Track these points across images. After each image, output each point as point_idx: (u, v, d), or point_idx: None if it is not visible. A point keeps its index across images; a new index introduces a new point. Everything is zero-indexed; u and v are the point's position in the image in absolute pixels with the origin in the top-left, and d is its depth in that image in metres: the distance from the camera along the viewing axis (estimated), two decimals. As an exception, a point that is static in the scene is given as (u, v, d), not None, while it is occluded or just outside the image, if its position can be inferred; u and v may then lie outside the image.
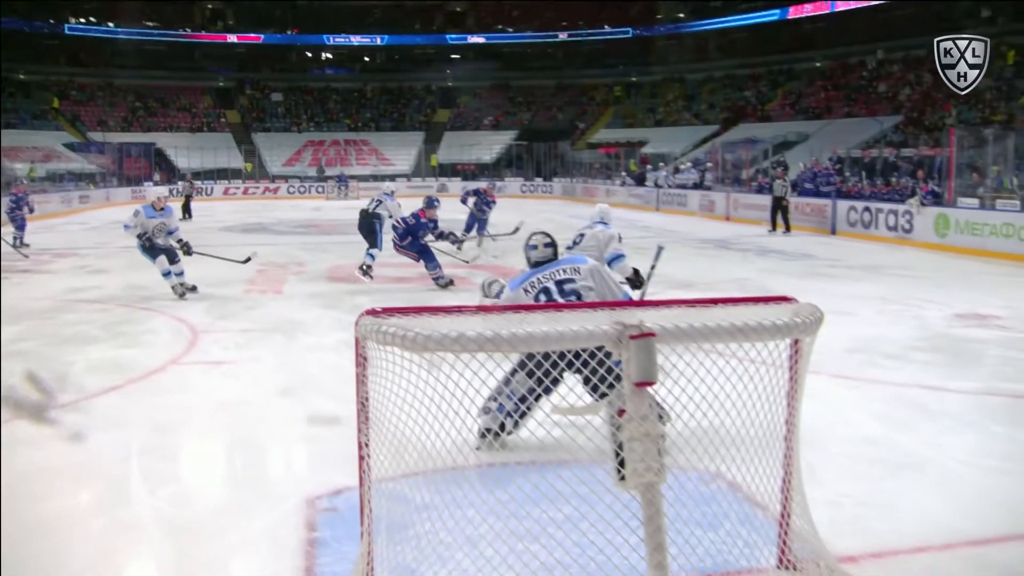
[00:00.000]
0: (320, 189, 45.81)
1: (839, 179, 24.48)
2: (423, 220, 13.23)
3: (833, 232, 21.98)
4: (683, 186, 33.42)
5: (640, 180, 37.56)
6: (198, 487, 5.59)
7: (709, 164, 35.25)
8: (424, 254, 13.23)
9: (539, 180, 48.42)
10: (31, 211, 20.55)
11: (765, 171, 29.22)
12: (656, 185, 34.75)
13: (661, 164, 39.38)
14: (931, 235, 18.66)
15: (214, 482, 5.73)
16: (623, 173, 41.02)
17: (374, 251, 14.04)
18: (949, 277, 14.52)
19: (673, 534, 3.35)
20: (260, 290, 12.90)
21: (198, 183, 41.43)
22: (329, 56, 62.32)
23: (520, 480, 4.03)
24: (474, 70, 60.04)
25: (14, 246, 18.29)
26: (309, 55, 62.22)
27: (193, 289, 12.38)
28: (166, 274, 12.09)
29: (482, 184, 21.37)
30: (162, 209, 12.45)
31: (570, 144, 51.73)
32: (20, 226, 19.46)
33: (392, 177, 49.02)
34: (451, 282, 13.22)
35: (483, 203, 18.94)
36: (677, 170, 36.69)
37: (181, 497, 5.24)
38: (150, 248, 12.21)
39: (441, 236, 13.79)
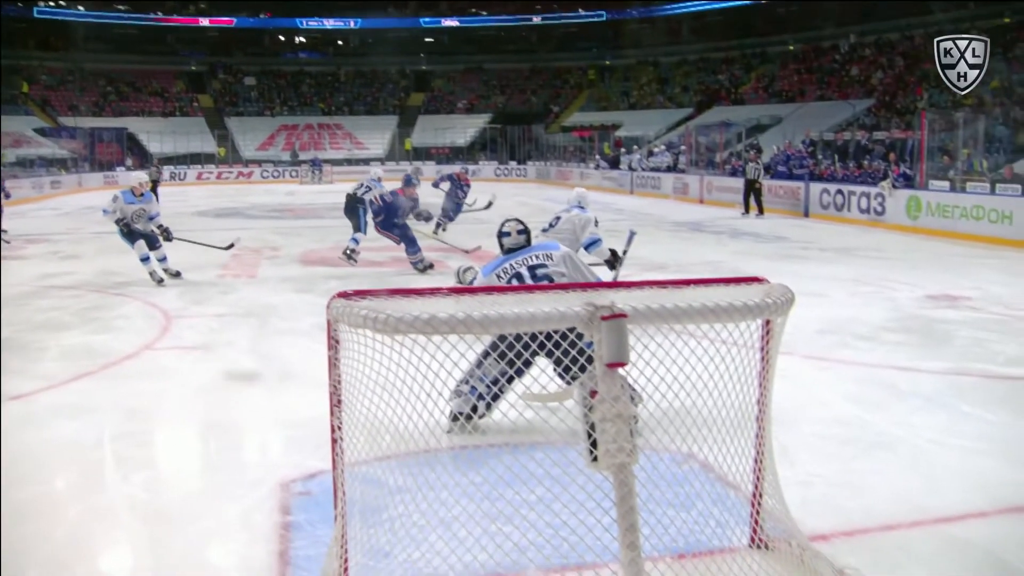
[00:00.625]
0: (294, 173, 45.54)
1: (812, 162, 24.58)
2: (401, 198, 13.27)
3: (806, 214, 22.09)
4: (657, 169, 33.45)
5: (614, 163, 37.57)
6: (172, 473, 5.58)
7: (683, 147, 35.28)
8: (405, 238, 13.17)
9: (513, 163, 48.32)
10: (7, 196, 20.12)
11: (739, 154, 29.30)
12: (630, 168, 34.78)
13: (635, 147, 39.38)
14: (903, 217, 18.79)
15: (188, 467, 5.71)
16: (597, 156, 41.02)
17: (359, 235, 14.01)
18: (921, 259, 14.63)
19: (646, 514, 3.37)
20: (234, 275, 12.84)
21: (170, 168, 41.15)
22: (302, 40, 61.90)
23: (493, 462, 4.05)
24: (448, 54, 59.84)
25: None
26: (282, 39, 61.82)
27: (177, 275, 12.29)
28: (144, 259, 11.92)
29: (455, 169, 21.02)
30: (142, 195, 12.24)
31: (544, 127, 51.67)
32: None
33: (366, 161, 48.86)
34: (431, 266, 13.14)
35: (457, 188, 18.72)
36: (651, 153, 36.69)
37: (155, 483, 5.23)
38: (129, 233, 12.02)
39: (419, 216, 13.92)
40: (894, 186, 19.24)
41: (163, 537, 4.55)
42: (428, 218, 14.73)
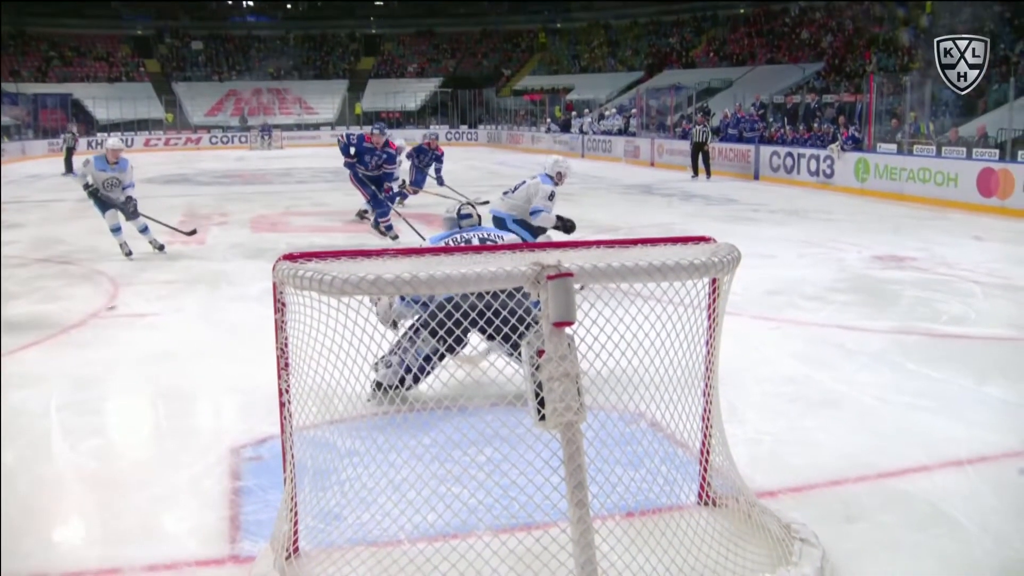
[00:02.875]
0: (243, 139, 45.03)
1: (762, 125, 24.71)
2: (367, 144, 12.79)
3: (756, 177, 22.23)
4: (608, 132, 33.47)
5: (565, 127, 37.55)
6: (121, 441, 5.53)
7: (634, 110, 35.29)
8: (375, 198, 12.69)
9: (464, 127, 48.10)
10: None
11: (689, 117, 29.35)
12: (581, 132, 34.77)
13: (586, 110, 39.35)
14: (851, 180, 18.98)
15: (137, 435, 5.66)
16: (548, 120, 40.96)
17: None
18: (868, 220, 14.80)
19: (594, 473, 3.39)
20: (183, 241, 12.70)
21: (117, 134, 40.41)
22: (250, 3, 60.98)
23: (443, 424, 4.05)
24: (398, 17, 59.29)
25: None
26: (230, 2, 60.87)
27: (161, 248, 11.70)
28: (115, 230, 11.40)
29: (422, 139, 18.33)
30: (116, 163, 11.46)
31: (495, 91, 51.44)
32: None
33: (316, 126, 48.46)
34: (396, 237, 12.40)
35: (429, 159, 17.18)
36: (602, 116, 36.69)
37: (104, 451, 5.17)
38: (100, 202, 11.45)
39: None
40: (843, 149, 19.42)
41: (113, 505, 4.51)
42: (401, 188, 14.26)
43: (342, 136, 12.79)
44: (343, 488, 3.76)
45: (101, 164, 11.39)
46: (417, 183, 16.96)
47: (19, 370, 6.62)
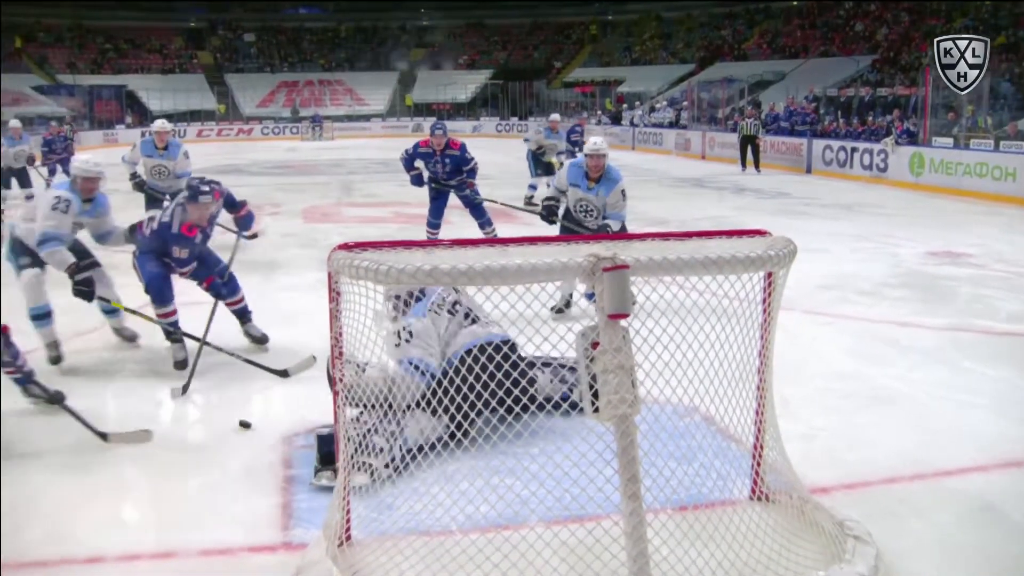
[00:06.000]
0: (294, 130, 45.32)
1: (814, 118, 24.45)
2: (423, 150, 10.34)
3: (808, 171, 22.00)
4: (659, 125, 33.32)
5: (616, 119, 37.42)
6: (175, 428, 5.57)
7: (685, 103, 35.11)
8: (471, 206, 10.53)
9: (514, 119, 48.08)
10: (71, 154, 17.85)
11: (741, 110, 29.12)
12: (632, 124, 34.63)
13: (637, 103, 39.18)
14: (906, 174, 18.71)
15: (191, 422, 5.72)
16: (599, 112, 40.82)
17: (534, 181, 14.05)
18: (923, 215, 14.60)
19: (647, 466, 3.37)
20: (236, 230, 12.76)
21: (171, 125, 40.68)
22: (302, -5, 61.33)
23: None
24: (449, 8, 59.32)
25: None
26: (282, -6, 61.27)
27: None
28: None
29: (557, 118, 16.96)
30: (165, 147, 10.61)
31: (546, 83, 51.32)
32: (52, 171, 17.35)
33: (367, 117, 48.73)
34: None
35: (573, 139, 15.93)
36: (653, 109, 36.51)
37: (158, 438, 5.22)
38: (150, 199, 10.49)
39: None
40: (897, 143, 19.16)
41: (167, 491, 4.58)
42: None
43: (402, 154, 10.60)
44: (395, 478, 3.77)
45: (148, 149, 10.71)
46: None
47: (79, 359, 6.71)
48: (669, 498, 3.59)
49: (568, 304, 7.61)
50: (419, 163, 10.42)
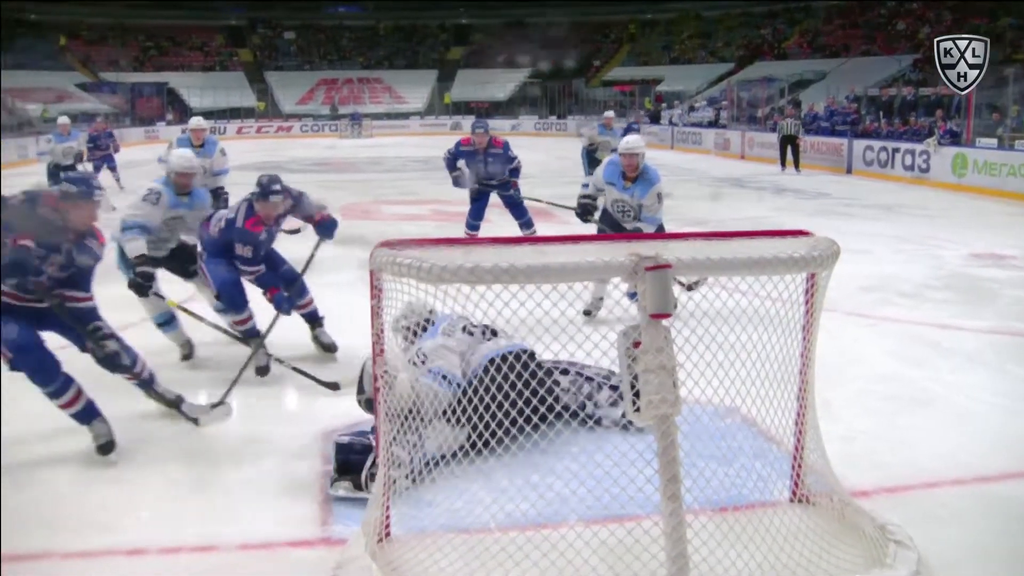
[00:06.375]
0: (334, 127, 45.56)
1: (855, 116, 24.23)
2: (465, 148, 10.02)
3: (849, 171, 21.81)
4: (698, 124, 33.17)
5: (655, 118, 37.29)
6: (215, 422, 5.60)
7: (724, 102, 34.94)
8: (512, 206, 10.26)
9: (553, 118, 48.05)
10: (116, 150, 18.68)
11: (781, 110, 28.94)
12: (671, 123, 34.51)
13: (676, 102, 39.04)
14: (948, 175, 18.48)
15: (232, 417, 5.74)
16: (638, 111, 40.71)
17: (587, 179, 14.05)
18: (966, 217, 14.44)
19: (687, 467, 3.36)
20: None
21: (210, 122, 40.88)
22: (342, -7, 61.58)
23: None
24: (488, 7, 59.34)
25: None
26: (321, -7, 61.55)
27: None
28: None
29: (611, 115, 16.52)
30: (201, 145, 10.25)
31: (584, 82, 51.25)
32: (97, 167, 17.30)
33: (406, 115, 48.88)
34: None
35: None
36: (692, 108, 36.37)
37: (197, 432, 5.27)
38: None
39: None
40: (940, 143, 18.94)
41: (208, 485, 4.63)
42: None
43: (445, 154, 10.22)
44: (435, 475, 3.79)
45: (185, 147, 9.90)
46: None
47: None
48: (709, 499, 3.59)
49: (598, 307, 7.34)
50: (461, 163, 10.08)
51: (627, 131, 14.27)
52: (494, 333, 5.03)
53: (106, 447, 4.92)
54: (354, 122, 43.99)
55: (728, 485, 3.67)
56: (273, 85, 51.71)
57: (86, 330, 4.91)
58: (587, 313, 7.04)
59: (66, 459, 4.93)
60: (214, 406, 5.45)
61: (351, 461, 4.35)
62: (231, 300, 6.49)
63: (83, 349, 5.05)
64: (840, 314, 7.29)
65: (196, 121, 10.84)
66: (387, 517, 3.75)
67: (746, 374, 3.52)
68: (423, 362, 4.71)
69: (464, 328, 5.12)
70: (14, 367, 4.79)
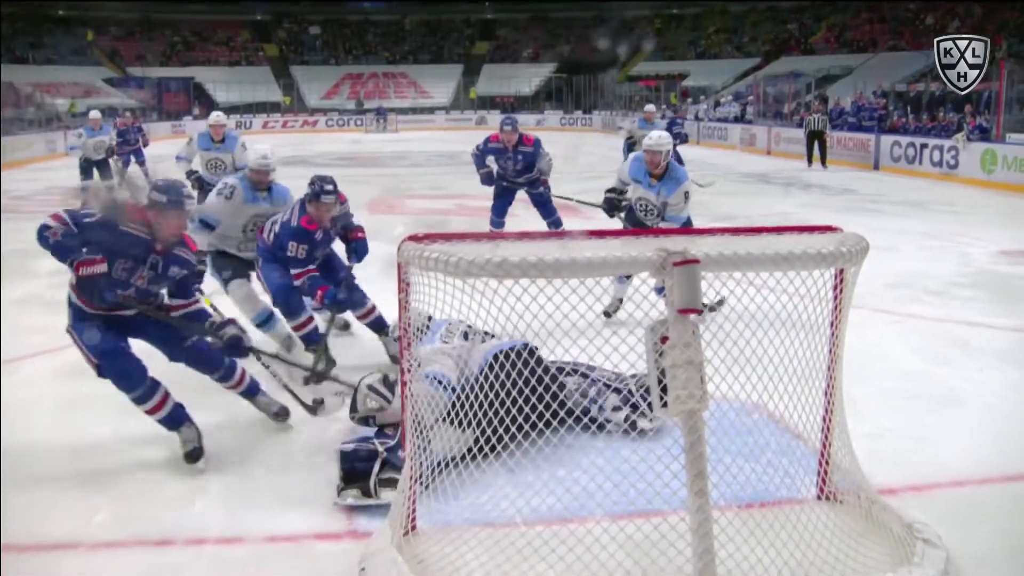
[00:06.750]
0: (359, 122, 45.70)
1: (882, 112, 24.06)
2: (493, 145, 9.72)
3: (876, 167, 21.67)
4: (724, 119, 33.06)
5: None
6: (241, 415, 5.61)
7: (750, 97, 34.81)
8: (540, 205, 9.99)
9: (579, 113, 48.05)
10: (145, 144, 18.40)
11: (807, 105, 28.80)
12: (696, 118, 34.40)
13: (702, 97, 38.92)
14: (977, 171, 18.32)
15: (254, 409, 5.76)
16: (663, 106, 40.62)
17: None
18: (995, 214, 14.33)
19: (714, 463, 3.35)
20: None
21: (236, 116, 41.05)
22: (368, -12, 61.68)
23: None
24: (513, 2, 59.30)
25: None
26: (347, -12, 61.66)
27: None
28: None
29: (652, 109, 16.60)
30: (221, 141, 10.26)
31: (610, 77, 51.19)
32: (126, 162, 16.98)
33: (431, 110, 48.95)
34: None
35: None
36: (718, 103, 36.25)
37: (225, 424, 5.29)
38: (202, 190, 9.66)
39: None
40: (968, 139, 18.77)
41: (234, 476, 4.65)
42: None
43: (473, 150, 9.93)
44: (460, 469, 3.79)
45: (205, 142, 10.38)
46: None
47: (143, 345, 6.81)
48: (736, 495, 3.58)
49: (617, 308, 7.15)
50: (490, 160, 9.78)
51: (670, 126, 14.09)
52: (492, 336, 4.91)
53: (193, 454, 4.76)
54: (379, 117, 44.11)
55: (755, 481, 3.65)
56: (299, 80, 51.93)
57: (203, 330, 4.88)
58: (607, 314, 6.96)
59: (93, 451, 4.97)
60: (314, 405, 5.31)
61: (357, 469, 4.30)
62: (287, 305, 6.35)
63: (172, 358, 5.02)
64: (866, 311, 7.24)
65: (216, 116, 10.72)
66: (413, 511, 3.76)
67: (773, 370, 3.51)
68: (418, 366, 4.44)
69: (464, 334, 5.08)
70: (101, 374, 4.73)
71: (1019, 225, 12.94)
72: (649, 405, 4.49)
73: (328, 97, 52.18)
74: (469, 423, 3.83)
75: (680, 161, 14.89)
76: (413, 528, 3.76)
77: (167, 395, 4.82)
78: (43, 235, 4.49)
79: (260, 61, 55.20)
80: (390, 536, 3.61)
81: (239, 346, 4.90)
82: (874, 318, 7.39)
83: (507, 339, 4.50)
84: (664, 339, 3.04)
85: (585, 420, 4.69)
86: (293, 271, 6.16)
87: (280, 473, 4.65)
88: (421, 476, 3.84)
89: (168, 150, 11.41)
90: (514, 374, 3.79)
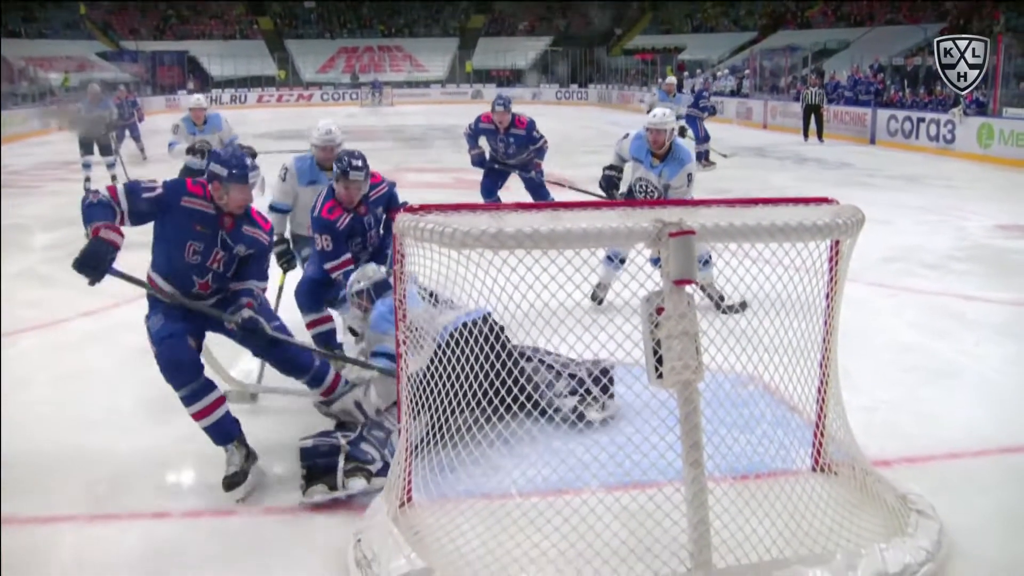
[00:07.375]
0: (354, 96, 45.51)
1: (879, 86, 23.99)
2: (484, 125, 9.48)
3: (872, 142, 21.63)
4: (720, 93, 32.94)
5: (677, 87, 37.03)
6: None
7: (747, 71, 34.70)
8: (530, 187, 9.71)
9: (574, 87, 47.87)
10: (140, 119, 18.51)
11: (804, 79, 28.71)
12: (692, 92, 34.26)
13: (698, 71, 38.76)
14: (974, 146, 18.30)
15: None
16: (660, 80, 40.45)
17: None
18: (991, 188, 14.31)
19: (709, 434, 3.35)
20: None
21: (231, 91, 40.74)
22: (362, -39, 61.24)
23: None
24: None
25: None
26: (342, -40, 61.19)
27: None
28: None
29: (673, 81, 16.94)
30: (204, 123, 10.03)
31: (606, 50, 50.96)
32: (120, 136, 16.73)
33: (427, 83, 48.73)
34: None
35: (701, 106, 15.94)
36: (714, 77, 36.12)
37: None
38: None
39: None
40: (965, 113, 18.73)
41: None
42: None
43: (466, 129, 9.71)
44: (456, 441, 3.79)
45: (191, 127, 10.13)
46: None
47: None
48: (731, 466, 3.58)
49: (605, 293, 6.84)
50: (481, 140, 9.53)
51: (697, 99, 13.89)
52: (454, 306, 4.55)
53: (232, 480, 4.15)
54: (375, 90, 43.97)
55: (750, 453, 3.66)
56: (293, 53, 51.65)
57: (218, 312, 4.42)
58: (595, 298, 6.69)
59: (94, 425, 4.97)
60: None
61: (319, 465, 4.11)
62: (299, 298, 5.89)
63: (256, 354, 4.74)
64: (862, 284, 7.24)
65: (196, 100, 10.50)
66: (408, 482, 3.77)
67: (768, 342, 3.51)
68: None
69: (428, 297, 4.64)
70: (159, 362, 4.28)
71: (1015, 199, 12.92)
72: (603, 389, 4.47)
73: (323, 71, 51.93)
74: (425, 407, 3.71)
75: (707, 136, 14.75)
76: (409, 500, 3.77)
77: (220, 401, 4.34)
78: (85, 202, 4.14)
79: (254, 35, 54.83)
80: (386, 508, 3.62)
81: (255, 330, 4.39)
82: (870, 291, 7.39)
83: (463, 311, 4.20)
84: (660, 310, 3.04)
85: (542, 405, 4.51)
86: (325, 265, 5.64)
87: (275, 448, 4.64)
88: (385, 467, 3.86)
89: (164, 124, 11.16)
90: (477, 349, 3.66)
